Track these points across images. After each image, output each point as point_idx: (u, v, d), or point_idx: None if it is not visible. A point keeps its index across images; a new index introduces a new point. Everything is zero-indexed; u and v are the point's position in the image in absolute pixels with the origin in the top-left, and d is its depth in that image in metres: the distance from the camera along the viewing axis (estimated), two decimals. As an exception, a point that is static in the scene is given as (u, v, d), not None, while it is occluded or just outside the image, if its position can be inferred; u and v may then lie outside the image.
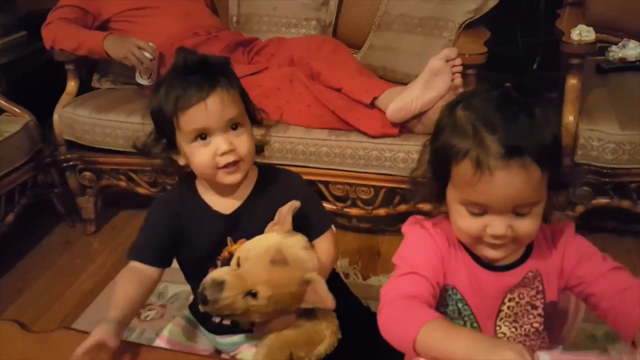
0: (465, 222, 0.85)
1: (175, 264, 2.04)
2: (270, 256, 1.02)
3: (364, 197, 1.90)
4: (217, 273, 1.03)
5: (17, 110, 2.16)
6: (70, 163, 2.15)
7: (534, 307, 0.92)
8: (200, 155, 1.06)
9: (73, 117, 2.09)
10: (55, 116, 2.12)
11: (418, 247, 0.92)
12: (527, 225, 0.82)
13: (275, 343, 1.08)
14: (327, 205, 1.95)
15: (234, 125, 1.07)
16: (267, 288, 1.01)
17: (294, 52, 2.01)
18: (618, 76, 1.98)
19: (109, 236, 2.25)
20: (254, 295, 1.01)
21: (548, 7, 2.74)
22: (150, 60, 2.00)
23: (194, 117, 1.03)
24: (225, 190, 1.13)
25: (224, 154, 1.05)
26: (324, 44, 2.00)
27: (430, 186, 0.90)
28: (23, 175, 2.09)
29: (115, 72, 2.28)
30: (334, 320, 1.13)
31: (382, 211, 1.92)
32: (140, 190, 2.14)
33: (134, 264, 1.12)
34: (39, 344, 1.04)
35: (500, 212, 0.81)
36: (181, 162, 1.12)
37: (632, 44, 2.04)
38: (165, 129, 1.08)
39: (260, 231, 1.09)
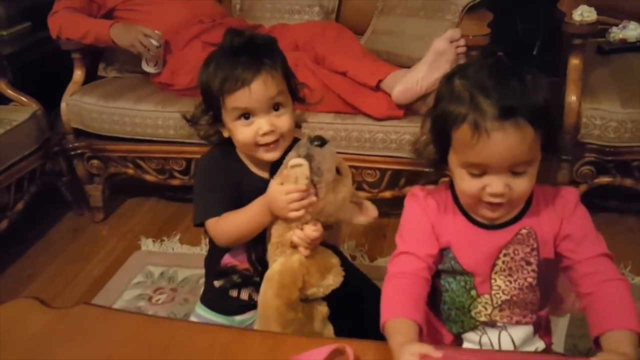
0: (465, 184, 0.90)
1: (182, 248, 2.08)
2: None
3: (369, 180, 1.93)
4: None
5: (24, 99, 2.18)
6: (78, 151, 2.18)
7: (528, 263, 0.97)
8: (242, 133, 1.12)
9: (81, 105, 2.11)
10: (63, 104, 2.13)
11: (410, 221, 1.00)
12: (523, 184, 0.88)
13: (285, 276, 1.09)
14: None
15: (275, 106, 1.12)
16: (346, 166, 1.14)
17: (298, 37, 2.03)
18: (619, 57, 2.01)
19: (117, 223, 2.27)
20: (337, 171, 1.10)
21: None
22: (157, 47, 2.02)
23: (238, 99, 1.09)
24: (262, 163, 1.18)
25: (264, 134, 1.11)
26: (327, 28, 2.03)
27: (433, 152, 0.96)
28: (32, 164, 2.11)
29: (121, 61, 2.30)
30: (336, 256, 1.16)
31: (387, 194, 1.94)
32: (148, 177, 2.17)
33: (213, 220, 1.14)
34: (60, 319, 1.05)
35: (498, 171, 0.87)
36: (225, 134, 1.18)
37: (632, 25, 2.06)
38: (212, 104, 1.14)
39: None
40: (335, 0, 2.29)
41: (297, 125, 1.24)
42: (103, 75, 2.34)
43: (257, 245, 1.18)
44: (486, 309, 0.99)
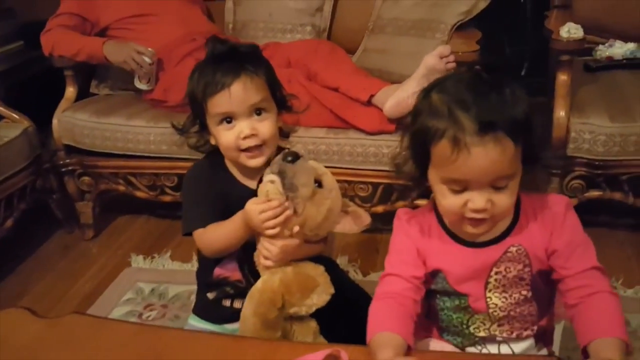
0: (447, 200, 0.88)
1: (173, 265, 2.06)
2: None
3: (362, 194, 1.93)
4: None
5: (15, 116, 2.18)
6: (69, 168, 2.17)
7: (522, 279, 0.96)
8: (225, 137, 1.14)
9: (73, 121, 2.11)
10: (55, 121, 2.14)
11: (395, 244, 1.00)
12: (505, 198, 0.87)
13: (265, 295, 1.09)
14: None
15: (257, 111, 1.14)
16: (331, 178, 1.13)
17: (291, 54, 2.05)
18: (606, 74, 2.04)
19: (108, 241, 2.26)
20: (319, 184, 1.09)
21: (534, 15, 2.81)
22: (149, 64, 2.03)
23: (219, 102, 1.11)
24: (249, 172, 1.19)
25: (245, 137, 1.12)
26: (320, 46, 2.05)
27: (412, 170, 0.94)
28: (22, 180, 2.11)
29: (113, 78, 2.31)
30: (326, 273, 1.16)
31: (380, 208, 1.95)
32: (139, 194, 2.16)
33: (199, 232, 1.16)
34: (51, 328, 1.04)
35: (479, 186, 0.85)
36: (212, 141, 1.19)
37: (618, 43, 2.10)
38: (197, 112, 1.17)
39: None
40: (327, 19, 2.32)
41: (286, 135, 1.25)
42: (95, 92, 2.35)
43: (249, 257, 1.18)
44: (484, 324, 0.99)
